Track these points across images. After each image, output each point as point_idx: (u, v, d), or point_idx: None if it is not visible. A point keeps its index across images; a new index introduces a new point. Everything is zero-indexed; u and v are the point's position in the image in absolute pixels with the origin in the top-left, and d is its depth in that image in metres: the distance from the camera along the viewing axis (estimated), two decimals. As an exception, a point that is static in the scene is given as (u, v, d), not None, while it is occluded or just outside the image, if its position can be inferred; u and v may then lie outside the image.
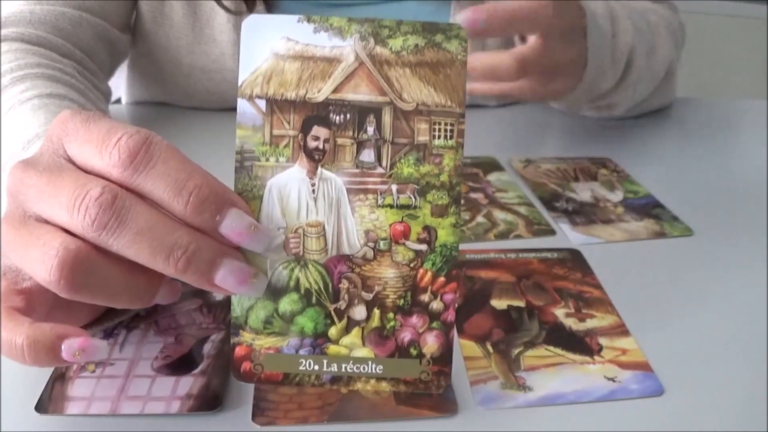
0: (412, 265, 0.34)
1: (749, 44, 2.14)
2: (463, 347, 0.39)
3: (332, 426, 0.34)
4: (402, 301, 0.34)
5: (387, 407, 0.35)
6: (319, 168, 0.34)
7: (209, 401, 0.35)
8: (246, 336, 0.34)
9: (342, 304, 0.34)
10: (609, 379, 0.37)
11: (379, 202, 0.34)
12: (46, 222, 0.32)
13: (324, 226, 0.34)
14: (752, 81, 2.08)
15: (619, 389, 0.37)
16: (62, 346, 0.30)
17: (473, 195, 0.57)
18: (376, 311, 0.34)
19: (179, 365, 0.37)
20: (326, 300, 0.34)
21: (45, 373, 0.37)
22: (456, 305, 0.35)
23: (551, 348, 0.40)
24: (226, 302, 0.43)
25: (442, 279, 0.34)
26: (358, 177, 0.34)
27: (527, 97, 0.64)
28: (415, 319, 0.34)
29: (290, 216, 0.33)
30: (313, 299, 0.34)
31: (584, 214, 0.54)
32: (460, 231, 0.51)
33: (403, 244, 0.34)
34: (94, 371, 0.37)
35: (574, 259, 0.48)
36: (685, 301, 0.44)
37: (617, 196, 0.58)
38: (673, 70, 0.73)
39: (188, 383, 0.36)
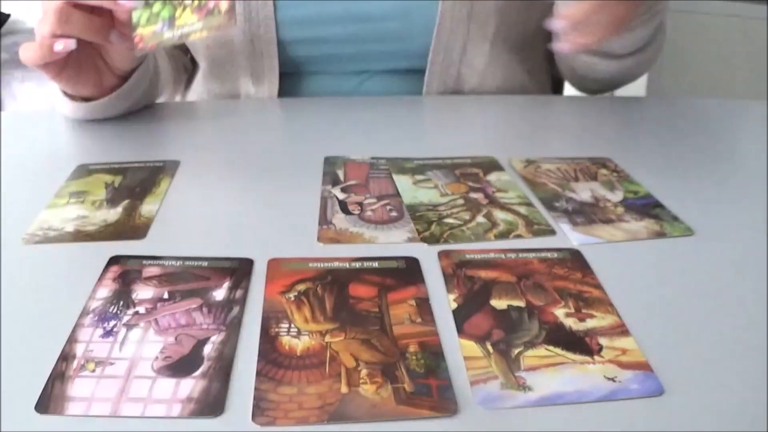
0: None
1: (749, 44, 2.14)
2: (463, 347, 0.39)
3: (332, 426, 0.34)
4: None
5: (387, 407, 0.35)
6: None
7: (210, 405, 0.35)
8: (138, 30, 0.60)
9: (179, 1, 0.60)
10: (609, 379, 0.37)
11: None
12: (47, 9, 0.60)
13: None
14: (752, 81, 2.08)
15: (619, 389, 0.37)
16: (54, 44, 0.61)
17: (473, 195, 0.57)
18: None
19: (180, 366, 0.38)
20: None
21: (45, 373, 0.37)
22: None
23: (551, 348, 0.40)
24: (226, 302, 0.43)
25: None
26: None
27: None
28: None
29: None
30: (167, 1, 0.60)
31: (584, 214, 0.54)
32: (460, 231, 0.51)
33: None
34: (94, 371, 0.37)
35: (574, 259, 0.48)
36: (685, 301, 0.44)
37: (617, 196, 0.58)
38: (664, 27, 0.80)
39: (189, 386, 0.36)
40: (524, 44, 0.83)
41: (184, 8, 0.60)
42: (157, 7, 0.60)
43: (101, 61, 0.68)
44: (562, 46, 0.60)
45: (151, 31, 0.60)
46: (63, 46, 0.61)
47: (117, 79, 0.70)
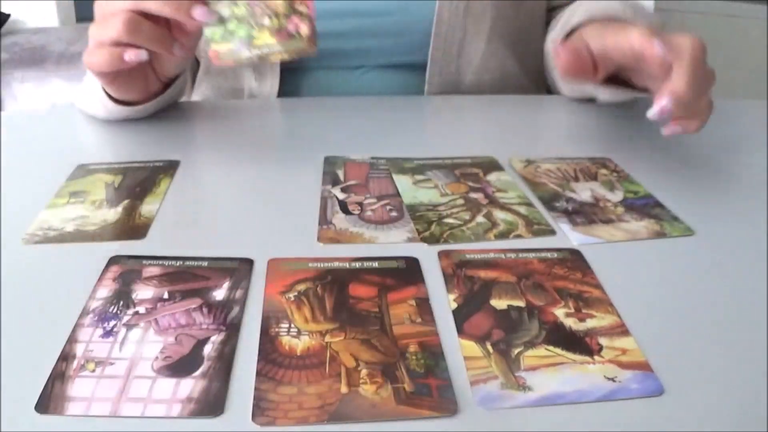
0: None
1: (749, 44, 2.14)
2: (463, 347, 0.39)
3: (332, 426, 0.34)
4: (287, 10, 0.60)
5: (387, 407, 0.35)
6: None
7: (210, 405, 0.35)
8: (213, 45, 0.61)
9: (258, 20, 0.60)
10: (609, 379, 0.37)
11: None
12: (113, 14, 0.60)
13: None
14: (752, 81, 2.08)
15: (619, 389, 0.37)
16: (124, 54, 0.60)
17: (473, 195, 0.57)
18: (275, 18, 0.60)
19: (179, 366, 0.37)
20: (249, 19, 0.60)
21: (45, 373, 0.37)
22: (312, 7, 0.60)
23: (551, 348, 0.40)
24: (226, 302, 0.43)
25: None
26: None
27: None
28: (294, 19, 0.60)
29: None
30: (243, 21, 0.60)
31: (584, 214, 0.54)
32: (460, 232, 0.51)
33: None
34: (94, 371, 0.37)
35: (574, 259, 0.48)
36: (685, 301, 0.44)
37: (617, 196, 0.58)
38: None
39: (189, 386, 0.36)
40: (519, 39, 0.85)
41: (262, 29, 0.60)
42: (232, 25, 0.60)
43: (150, 67, 0.68)
44: (670, 129, 0.56)
45: (228, 48, 0.60)
46: (135, 56, 0.60)
47: (161, 85, 0.70)
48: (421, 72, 0.82)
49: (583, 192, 0.58)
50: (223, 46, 0.61)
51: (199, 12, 0.59)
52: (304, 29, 0.60)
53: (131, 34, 0.59)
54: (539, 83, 0.91)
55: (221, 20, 0.60)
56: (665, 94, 0.53)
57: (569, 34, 0.69)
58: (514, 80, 0.85)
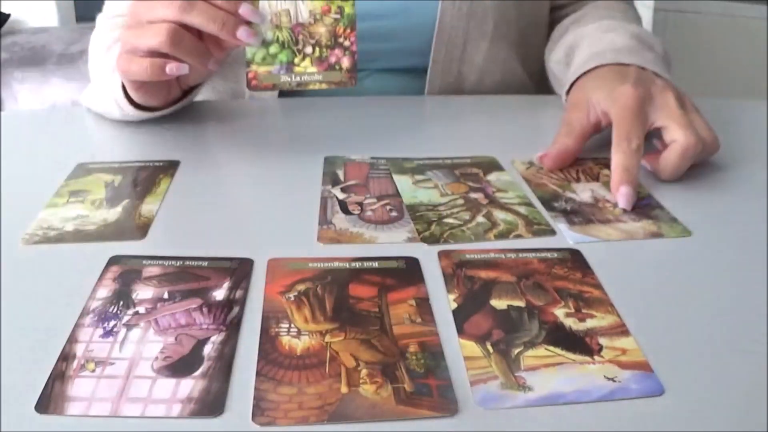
0: (333, 24, 0.61)
1: (749, 44, 2.14)
2: (463, 347, 0.39)
3: (332, 426, 0.34)
4: (330, 42, 0.62)
5: (387, 407, 0.35)
6: None
7: (210, 405, 0.35)
8: (253, 67, 0.62)
9: (300, 47, 0.62)
10: (609, 379, 0.37)
11: None
12: (152, 22, 0.59)
13: (289, 10, 0.61)
14: (752, 81, 2.07)
15: (619, 389, 0.37)
16: (166, 66, 0.59)
17: (473, 195, 0.57)
18: (317, 48, 0.62)
19: (179, 367, 0.37)
20: (292, 45, 0.62)
21: (45, 373, 0.37)
22: (355, 42, 0.62)
23: (551, 348, 0.40)
24: (226, 302, 0.43)
25: (348, 30, 0.62)
26: None
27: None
28: (336, 51, 0.62)
29: (272, 6, 0.61)
30: (286, 45, 0.62)
31: (582, 214, 0.54)
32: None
33: (328, 14, 0.61)
34: (94, 371, 0.37)
35: (574, 259, 0.48)
36: (685, 301, 0.44)
37: (617, 196, 0.57)
38: None
39: (189, 386, 0.36)
40: (521, 41, 0.84)
41: (304, 56, 0.61)
42: (274, 48, 0.61)
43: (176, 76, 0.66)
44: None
45: (267, 71, 0.61)
46: (177, 70, 0.59)
47: (180, 91, 0.70)
48: (422, 75, 0.81)
49: (584, 193, 0.58)
50: (262, 68, 0.61)
51: (244, 33, 0.59)
52: (346, 62, 0.62)
53: (173, 46, 0.58)
54: (541, 85, 0.90)
55: (263, 42, 0.61)
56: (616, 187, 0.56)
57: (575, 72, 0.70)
58: (517, 82, 0.85)
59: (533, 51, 0.87)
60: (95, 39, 0.79)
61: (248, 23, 0.59)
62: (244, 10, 0.59)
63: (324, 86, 0.62)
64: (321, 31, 0.61)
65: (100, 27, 0.80)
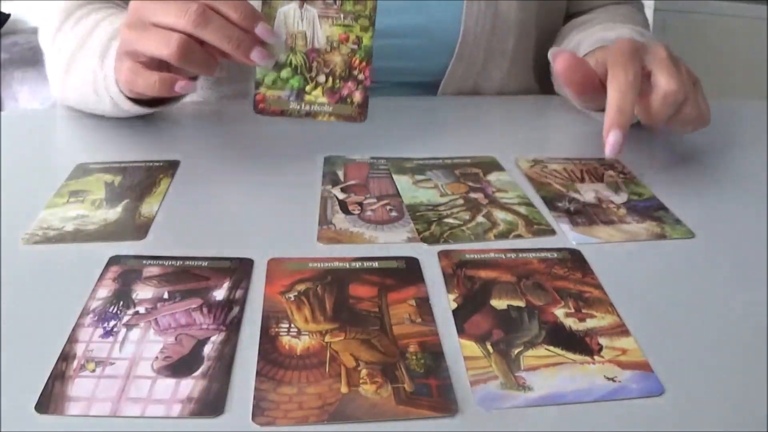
0: (349, 55, 0.60)
1: (749, 44, 2.14)
2: (463, 347, 0.39)
3: (332, 426, 0.34)
4: (344, 73, 0.60)
5: (387, 407, 0.35)
6: (305, 3, 0.59)
7: (210, 405, 0.35)
8: (262, 89, 0.60)
9: (313, 74, 0.60)
10: (609, 379, 0.37)
11: (334, 22, 0.59)
12: (158, 25, 0.55)
13: (306, 33, 0.59)
14: (752, 81, 2.08)
15: (619, 389, 0.37)
16: (176, 84, 0.56)
17: (473, 195, 0.57)
18: (330, 78, 0.60)
19: (179, 367, 0.37)
20: (305, 71, 0.60)
21: (45, 373, 0.37)
22: (369, 77, 0.60)
23: (551, 348, 0.40)
24: (226, 302, 0.43)
25: (363, 64, 0.60)
26: (323, 8, 0.59)
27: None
28: (350, 84, 0.60)
29: (289, 27, 0.59)
30: (299, 70, 0.60)
31: (585, 215, 0.54)
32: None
33: (345, 44, 0.60)
34: (94, 371, 0.37)
35: (574, 259, 0.48)
36: (685, 301, 0.44)
37: (621, 197, 0.57)
38: None
39: (189, 386, 0.36)
40: (538, 60, 0.84)
41: (316, 85, 0.60)
42: (285, 72, 0.59)
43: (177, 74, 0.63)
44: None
45: (277, 95, 0.60)
46: (186, 89, 0.57)
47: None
48: (435, 88, 0.81)
49: (587, 193, 0.58)
50: (272, 92, 0.60)
51: (257, 55, 0.56)
52: (358, 96, 0.60)
53: (183, 60, 0.55)
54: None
55: (276, 65, 0.59)
56: (608, 131, 0.55)
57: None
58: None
59: (549, 67, 0.87)
60: (65, 41, 0.72)
61: (263, 43, 0.56)
62: (260, 30, 0.56)
63: (333, 119, 0.60)
64: (336, 60, 0.59)
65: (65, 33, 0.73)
